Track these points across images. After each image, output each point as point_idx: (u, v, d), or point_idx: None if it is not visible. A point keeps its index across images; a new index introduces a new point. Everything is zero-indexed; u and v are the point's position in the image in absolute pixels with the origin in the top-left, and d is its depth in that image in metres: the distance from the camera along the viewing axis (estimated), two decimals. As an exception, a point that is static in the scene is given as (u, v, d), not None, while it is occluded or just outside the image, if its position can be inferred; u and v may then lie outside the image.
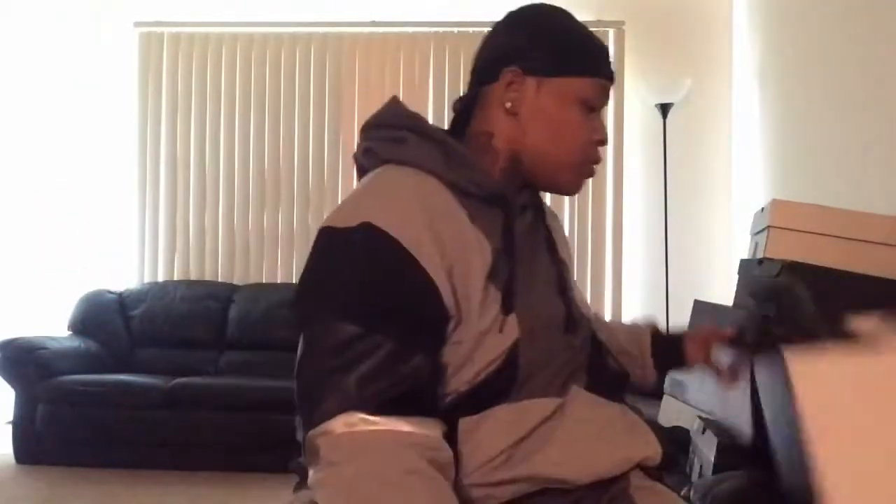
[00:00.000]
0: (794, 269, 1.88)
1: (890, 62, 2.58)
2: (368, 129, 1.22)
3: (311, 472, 1.01)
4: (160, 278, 5.29)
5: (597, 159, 1.22)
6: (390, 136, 1.18)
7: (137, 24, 5.32)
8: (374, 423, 0.97)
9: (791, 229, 2.02)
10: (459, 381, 1.08)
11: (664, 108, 4.80)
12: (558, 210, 4.89)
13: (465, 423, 1.09)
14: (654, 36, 5.05)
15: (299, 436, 1.05)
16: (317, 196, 5.25)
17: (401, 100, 1.25)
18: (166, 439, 4.24)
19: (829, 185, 3.14)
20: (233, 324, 4.90)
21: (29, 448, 4.31)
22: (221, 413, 4.23)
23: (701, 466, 2.15)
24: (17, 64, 5.28)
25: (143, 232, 5.32)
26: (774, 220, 2.04)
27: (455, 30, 5.17)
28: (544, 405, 1.13)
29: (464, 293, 1.07)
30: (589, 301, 4.32)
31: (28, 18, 5.28)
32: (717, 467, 1.97)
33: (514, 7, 1.27)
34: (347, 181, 5.25)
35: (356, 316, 1.01)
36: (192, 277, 5.27)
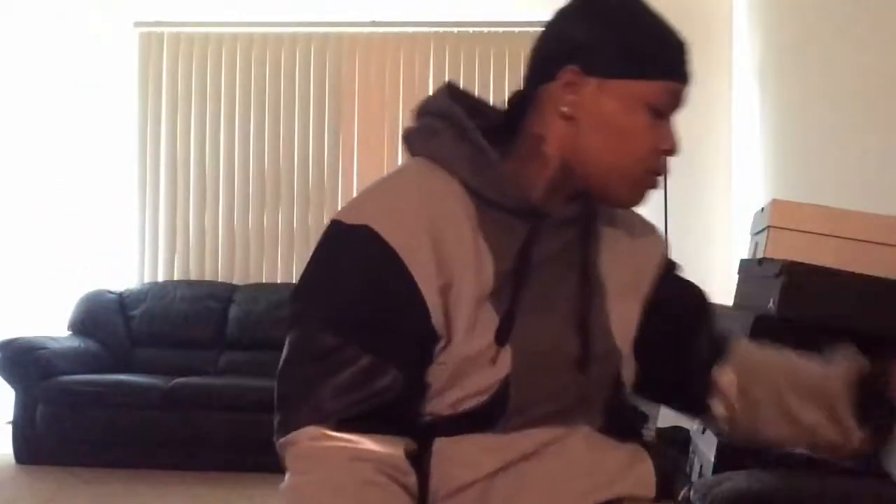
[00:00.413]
0: (794, 269, 1.88)
1: (890, 62, 2.58)
2: (416, 114, 1.13)
3: (285, 478, 1.02)
4: (160, 278, 5.29)
5: (661, 170, 1.09)
6: (428, 125, 1.10)
7: (137, 24, 5.32)
8: (334, 438, 0.96)
9: (791, 229, 2.02)
10: (440, 404, 1.03)
11: (664, 108, 4.80)
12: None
13: (440, 443, 1.03)
14: (654, 36, 5.05)
15: (275, 438, 1.04)
16: (317, 196, 5.25)
17: (455, 85, 1.13)
18: (166, 439, 4.24)
19: (829, 185, 3.14)
20: (233, 324, 4.90)
21: (29, 448, 4.31)
22: (221, 413, 4.23)
23: (701, 466, 2.15)
24: (18, 64, 5.27)
25: (143, 232, 5.32)
26: (774, 220, 2.04)
27: (455, 30, 5.17)
28: (532, 437, 1.05)
29: (455, 314, 1.01)
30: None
31: (28, 18, 5.28)
32: (717, 467, 1.98)
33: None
34: (347, 181, 5.25)
35: (338, 326, 0.99)
36: (192, 277, 5.27)
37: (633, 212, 1.20)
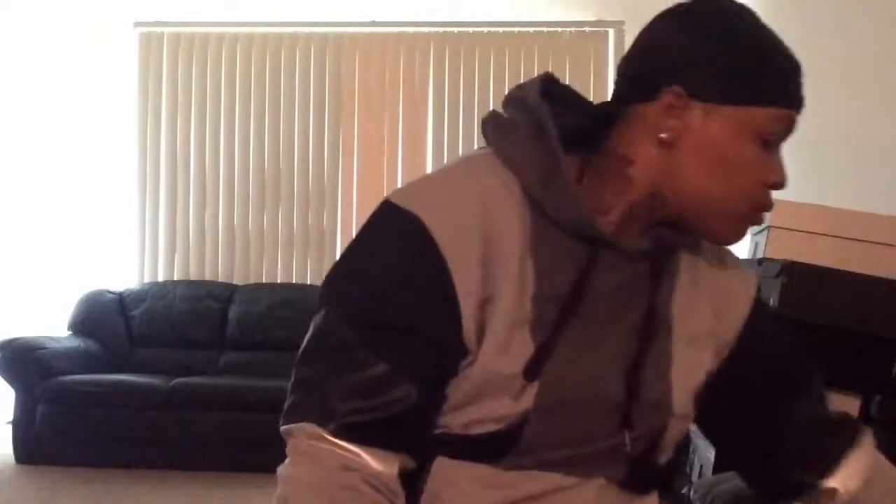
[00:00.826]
0: (794, 269, 1.88)
1: (889, 62, 2.58)
2: (505, 101, 1.01)
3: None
4: (160, 278, 5.29)
5: (768, 206, 0.99)
6: (513, 117, 0.99)
7: (137, 24, 5.32)
8: (332, 443, 0.93)
9: (791, 229, 2.02)
10: (453, 421, 0.97)
11: (664, 108, 4.80)
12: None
13: (441, 464, 0.98)
14: (654, 36, 5.05)
15: (280, 422, 1.03)
16: (317, 196, 5.25)
17: (555, 78, 1.01)
18: (166, 439, 4.24)
19: (829, 185, 3.14)
20: (233, 324, 4.90)
21: (29, 448, 4.31)
22: (221, 413, 4.23)
23: (701, 466, 2.15)
24: (18, 64, 5.27)
25: (143, 232, 5.32)
26: (774, 220, 2.03)
27: (455, 30, 5.16)
28: (539, 480, 0.97)
29: (488, 330, 0.93)
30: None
31: (28, 18, 5.28)
32: (717, 467, 1.97)
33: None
34: (347, 181, 5.25)
35: (362, 325, 0.94)
36: (192, 277, 5.27)
37: (722, 247, 1.07)
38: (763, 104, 0.93)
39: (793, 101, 0.96)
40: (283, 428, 0.99)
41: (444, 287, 0.92)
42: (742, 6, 0.96)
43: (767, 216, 2.07)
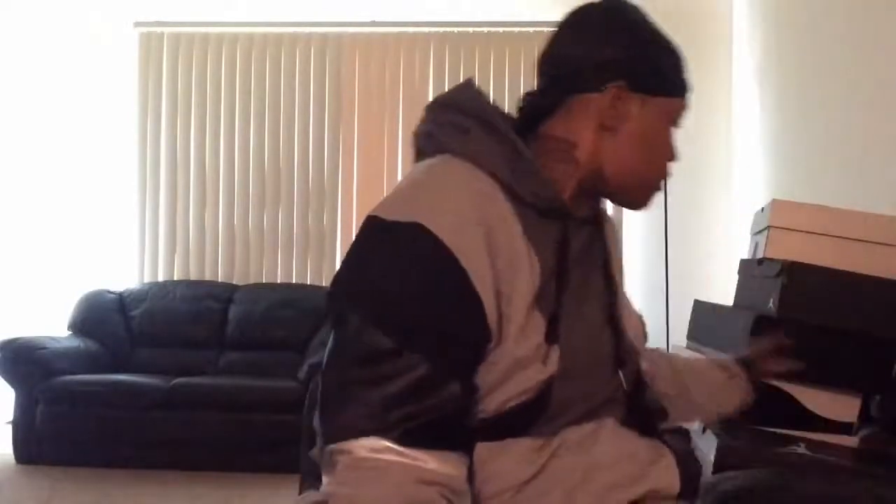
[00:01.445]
0: (794, 269, 1.88)
1: (890, 62, 2.59)
2: (434, 109, 1.12)
3: (324, 480, 0.98)
4: (160, 278, 5.29)
5: (669, 176, 1.20)
6: (454, 121, 1.09)
7: (137, 24, 5.32)
8: (399, 453, 0.92)
9: (791, 229, 2.02)
10: (486, 406, 1.02)
11: (664, 108, 4.80)
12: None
13: (482, 449, 1.02)
14: (654, 36, 5.05)
15: (316, 426, 1.00)
16: (317, 196, 5.25)
17: (475, 83, 1.14)
18: (166, 439, 4.24)
19: (829, 185, 3.14)
20: (233, 324, 4.90)
21: (29, 448, 4.31)
22: (221, 413, 4.23)
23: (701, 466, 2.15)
24: (17, 64, 5.28)
25: (143, 232, 5.33)
26: (774, 220, 2.03)
27: (455, 30, 5.17)
28: (563, 436, 1.07)
29: (507, 314, 1.00)
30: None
31: (28, 18, 5.28)
32: (717, 467, 1.97)
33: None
34: (347, 181, 5.25)
35: (392, 328, 0.95)
36: (192, 277, 5.27)
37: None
38: (678, 95, 1.14)
39: (690, 90, 1.17)
40: (331, 446, 0.96)
41: (462, 282, 0.96)
42: (641, 9, 1.15)
43: (767, 216, 2.08)
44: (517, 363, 1.01)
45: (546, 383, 1.02)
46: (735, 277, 2.33)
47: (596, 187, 1.14)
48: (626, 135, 1.11)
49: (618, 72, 1.09)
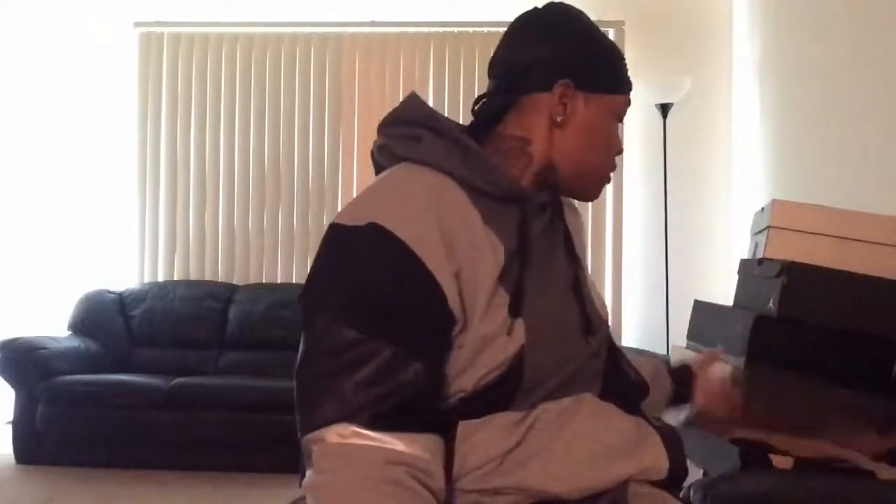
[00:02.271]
0: (794, 269, 1.88)
1: (890, 62, 2.59)
2: (385, 125, 1.20)
3: (306, 474, 1.02)
4: (160, 278, 5.29)
5: (615, 168, 1.28)
6: (406, 133, 1.17)
7: (137, 24, 5.32)
8: (366, 437, 0.98)
9: (791, 229, 2.02)
10: (461, 385, 1.07)
11: (664, 108, 4.80)
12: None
13: (463, 427, 1.08)
14: (654, 36, 5.05)
15: (299, 435, 1.05)
16: (317, 196, 5.25)
17: (418, 96, 1.22)
18: (166, 439, 4.24)
19: (829, 185, 3.14)
20: (233, 324, 4.90)
21: (29, 448, 4.31)
22: (221, 413, 4.23)
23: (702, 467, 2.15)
24: (17, 64, 5.28)
25: (143, 232, 5.32)
26: (774, 220, 2.04)
27: (455, 30, 5.16)
28: (546, 408, 1.11)
29: (471, 296, 1.06)
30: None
31: (28, 18, 5.28)
32: (717, 467, 1.97)
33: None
34: (347, 181, 5.25)
35: (356, 320, 1.01)
36: (192, 277, 5.26)
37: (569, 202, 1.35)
38: (620, 92, 1.22)
39: (631, 88, 1.25)
40: (306, 438, 1.01)
41: (418, 269, 1.03)
42: (581, 11, 1.23)
43: (767, 216, 2.08)
44: (484, 339, 1.06)
45: (517, 355, 1.07)
46: (735, 277, 2.33)
47: (551, 180, 1.21)
48: (574, 130, 1.19)
49: (562, 71, 1.18)
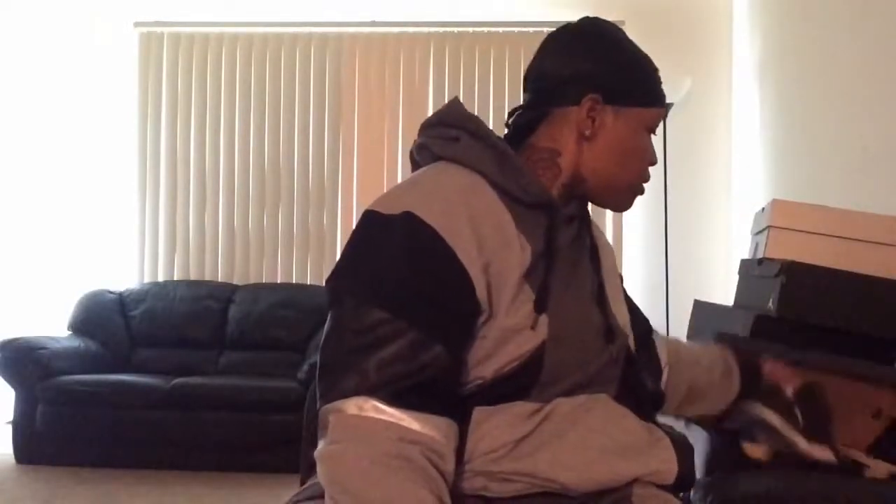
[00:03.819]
0: (794, 269, 1.88)
1: (890, 62, 2.59)
2: (426, 126, 1.24)
3: (319, 443, 1.05)
4: (160, 278, 5.29)
5: (648, 180, 1.28)
6: (445, 134, 1.21)
7: (137, 24, 5.32)
8: (384, 412, 1.01)
9: (791, 229, 2.02)
10: (480, 372, 1.10)
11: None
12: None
13: (479, 412, 1.10)
14: (654, 36, 5.05)
15: (318, 405, 1.08)
16: (317, 196, 5.25)
17: (460, 101, 1.26)
18: (166, 439, 4.24)
19: (829, 185, 3.14)
20: (233, 324, 4.90)
21: (29, 448, 4.31)
22: (221, 413, 4.23)
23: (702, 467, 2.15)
24: (17, 64, 5.28)
25: (143, 232, 5.32)
26: (774, 220, 2.04)
27: (455, 30, 5.17)
28: (561, 402, 1.14)
29: (498, 290, 1.09)
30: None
31: (28, 18, 5.28)
32: (716, 467, 1.97)
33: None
34: (347, 181, 5.25)
35: (385, 301, 1.04)
36: (192, 277, 5.27)
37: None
38: (651, 105, 1.23)
39: (664, 100, 1.27)
40: (325, 407, 1.04)
41: (449, 258, 1.06)
42: (619, 27, 1.26)
43: (768, 216, 2.08)
44: (508, 332, 1.09)
45: (539, 349, 1.10)
46: (735, 277, 2.33)
47: (580, 191, 1.24)
48: (602, 143, 1.21)
49: (592, 85, 1.20)
